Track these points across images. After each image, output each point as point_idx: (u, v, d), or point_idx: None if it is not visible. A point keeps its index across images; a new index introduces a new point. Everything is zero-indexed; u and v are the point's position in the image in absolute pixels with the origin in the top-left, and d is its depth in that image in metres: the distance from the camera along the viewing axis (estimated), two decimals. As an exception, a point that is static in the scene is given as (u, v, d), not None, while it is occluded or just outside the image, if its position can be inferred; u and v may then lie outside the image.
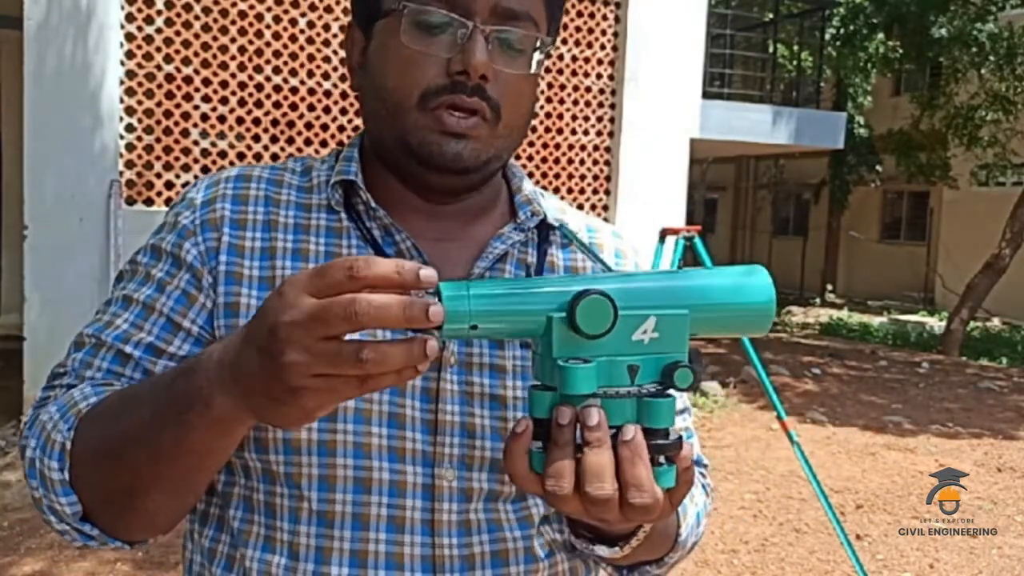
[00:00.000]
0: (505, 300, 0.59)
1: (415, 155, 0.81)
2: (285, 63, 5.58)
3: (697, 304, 0.62)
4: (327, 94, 5.72)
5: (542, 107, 6.42)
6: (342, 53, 5.59)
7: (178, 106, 5.35)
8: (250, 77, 5.51)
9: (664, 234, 4.09)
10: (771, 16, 10.97)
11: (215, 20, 5.37)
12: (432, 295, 0.57)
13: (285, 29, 5.56)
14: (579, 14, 6.50)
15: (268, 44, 5.52)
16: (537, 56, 0.83)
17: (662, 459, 0.60)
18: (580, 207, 6.59)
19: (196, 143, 5.43)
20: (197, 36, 5.35)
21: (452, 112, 0.79)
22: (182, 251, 0.82)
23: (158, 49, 5.28)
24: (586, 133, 6.63)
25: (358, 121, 5.45)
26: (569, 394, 0.58)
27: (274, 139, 5.63)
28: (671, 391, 0.60)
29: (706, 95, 7.80)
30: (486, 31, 0.78)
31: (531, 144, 6.41)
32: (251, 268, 0.81)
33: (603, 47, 6.61)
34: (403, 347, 0.54)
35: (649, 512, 0.60)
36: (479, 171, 0.83)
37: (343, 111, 5.76)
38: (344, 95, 5.73)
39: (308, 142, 5.69)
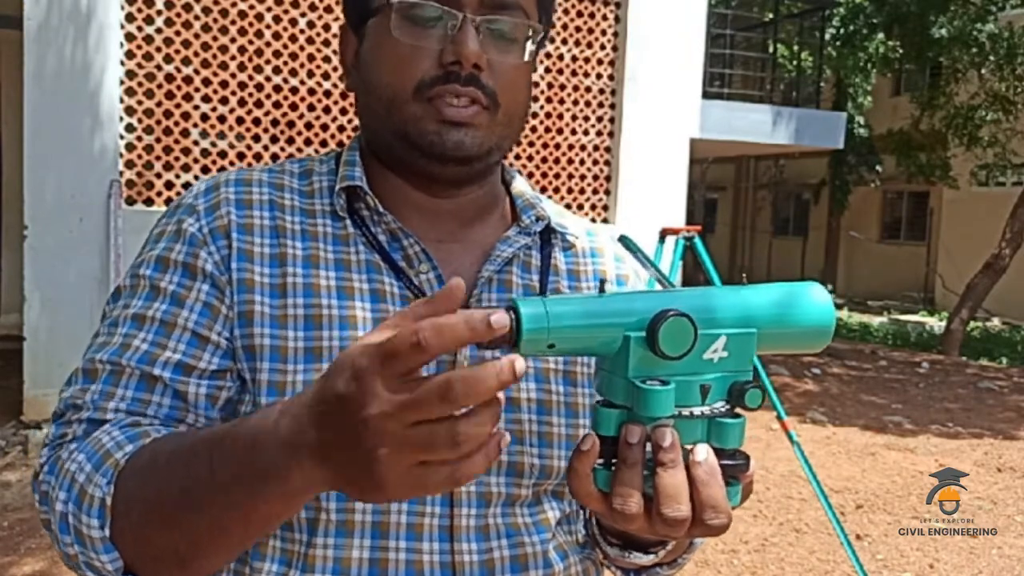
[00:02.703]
0: (583, 317, 0.58)
1: (416, 146, 0.81)
2: (285, 63, 5.58)
3: (763, 322, 0.62)
4: (327, 94, 5.72)
5: (542, 107, 6.42)
6: (342, 53, 5.58)
7: (178, 106, 5.35)
8: (250, 77, 5.51)
9: (664, 234, 4.09)
10: (771, 16, 10.97)
11: (215, 20, 5.37)
12: (507, 311, 0.57)
13: (285, 29, 5.56)
14: (579, 14, 6.50)
15: (268, 44, 5.52)
16: (530, 45, 0.83)
17: (729, 478, 0.60)
18: (580, 207, 6.60)
19: (196, 143, 5.43)
20: (197, 36, 5.35)
21: (451, 102, 0.79)
22: (198, 260, 0.79)
23: (158, 49, 5.28)
24: (586, 133, 6.63)
25: (358, 121, 5.45)
26: (647, 415, 0.57)
27: (274, 139, 5.62)
28: (739, 411, 0.60)
29: (706, 95, 7.80)
30: (476, 21, 0.78)
31: (531, 144, 6.41)
32: (262, 275, 0.79)
33: (603, 47, 6.61)
34: (487, 414, 0.53)
35: (721, 531, 0.59)
36: (481, 160, 0.83)
37: (343, 111, 5.76)
38: (344, 95, 5.73)
39: (308, 142, 5.69)
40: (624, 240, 0.73)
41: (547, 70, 6.40)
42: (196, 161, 5.43)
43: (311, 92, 5.68)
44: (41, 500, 0.73)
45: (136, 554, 0.69)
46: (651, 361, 0.57)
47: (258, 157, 5.55)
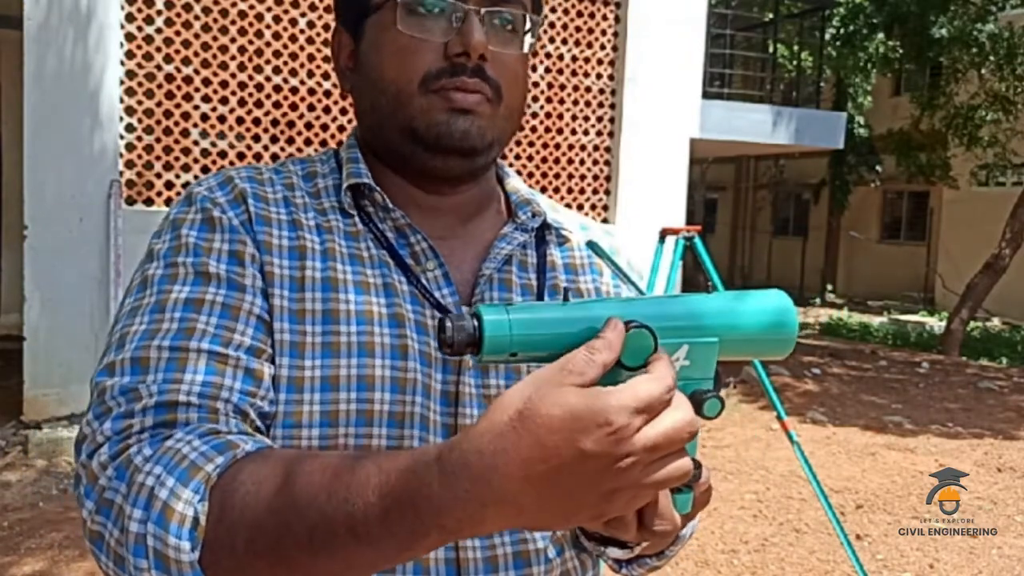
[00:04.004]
0: (545, 326, 0.58)
1: (422, 139, 0.81)
2: (285, 63, 5.58)
3: (725, 331, 0.63)
4: (327, 94, 5.72)
5: (542, 107, 6.42)
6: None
7: (178, 106, 5.35)
8: (250, 77, 5.51)
9: (664, 234, 4.09)
10: (771, 16, 10.97)
11: (215, 20, 5.38)
12: (471, 317, 0.57)
13: (285, 29, 5.56)
14: (579, 14, 6.50)
15: (268, 44, 5.53)
16: (529, 37, 0.84)
17: (682, 486, 0.60)
18: (580, 207, 6.59)
19: (196, 143, 5.43)
20: (197, 36, 5.35)
21: (456, 94, 0.80)
22: (246, 247, 0.78)
23: (158, 49, 5.28)
24: (586, 133, 6.63)
25: (357, 121, 5.46)
26: None
27: (274, 139, 5.62)
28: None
29: (706, 95, 7.81)
30: (480, 12, 0.79)
31: (531, 144, 6.41)
32: (281, 267, 0.79)
33: (603, 47, 6.61)
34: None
35: (666, 537, 0.61)
36: (483, 154, 0.84)
37: (343, 111, 5.76)
38: (344, 95, 5.72)
39: (308, 142, 5.69)
40: (592, 246, 0.74)
41: (547, 70, 6.40)
42: (196, 161, 5.43)
43: (311, 92, 5.68)
44: (99, 509, 0.65)
45: None
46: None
47: (258, 157, 5.55)
